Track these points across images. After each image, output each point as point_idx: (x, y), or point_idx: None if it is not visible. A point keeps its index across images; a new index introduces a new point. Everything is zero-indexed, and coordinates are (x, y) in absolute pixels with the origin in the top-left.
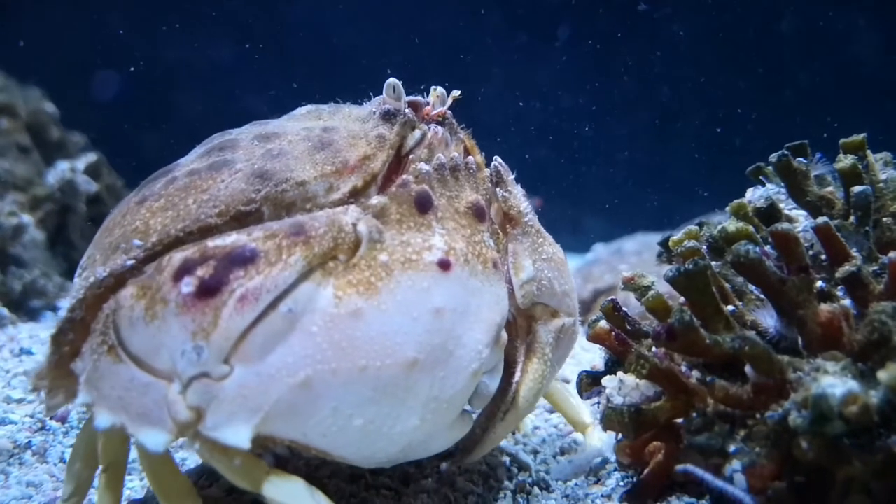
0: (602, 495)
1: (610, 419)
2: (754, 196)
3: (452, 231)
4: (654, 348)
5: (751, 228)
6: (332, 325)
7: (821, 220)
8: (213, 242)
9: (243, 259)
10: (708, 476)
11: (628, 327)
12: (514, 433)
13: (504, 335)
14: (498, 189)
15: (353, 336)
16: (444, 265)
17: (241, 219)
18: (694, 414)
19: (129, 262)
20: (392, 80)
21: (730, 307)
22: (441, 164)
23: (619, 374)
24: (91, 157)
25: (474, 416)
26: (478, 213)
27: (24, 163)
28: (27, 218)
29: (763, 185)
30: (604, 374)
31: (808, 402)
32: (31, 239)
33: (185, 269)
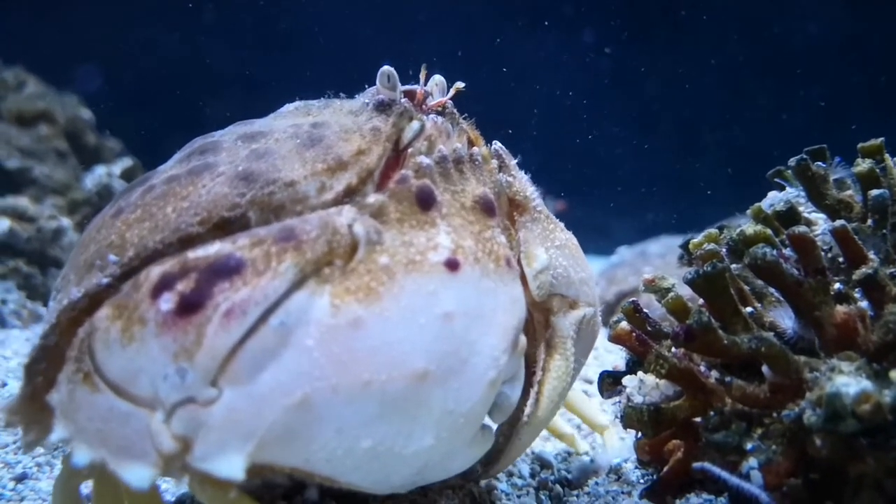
0: (622, 492)
1: (630, 418)
2: (774, 200)
3: (459, 228)
4: (673, 349)
5: (769, 232)
6: (329, 337)
7: (838, 223)
8: (195, 253)
9: (228, 270)
10: (724, 474)
11: (649, 328)
12: None
13: (523, 339)
14: (501, 174)
15: (353, 348)
16: (452, 265)
17: (224, 226)
18: (712, 413)
19: (105, 281)
20: (386, 67)
21: (748, 309)
22: (443, 157)
23: (640, 373)
24: (127, 161)
25: (495, 431)
26: (486, 208)
27: (63, 168)
28: (66, 221)
29: (783, 188)
30: (625, 374)
31: (823, 401)
32: (69, 241)
33: (163, 285)
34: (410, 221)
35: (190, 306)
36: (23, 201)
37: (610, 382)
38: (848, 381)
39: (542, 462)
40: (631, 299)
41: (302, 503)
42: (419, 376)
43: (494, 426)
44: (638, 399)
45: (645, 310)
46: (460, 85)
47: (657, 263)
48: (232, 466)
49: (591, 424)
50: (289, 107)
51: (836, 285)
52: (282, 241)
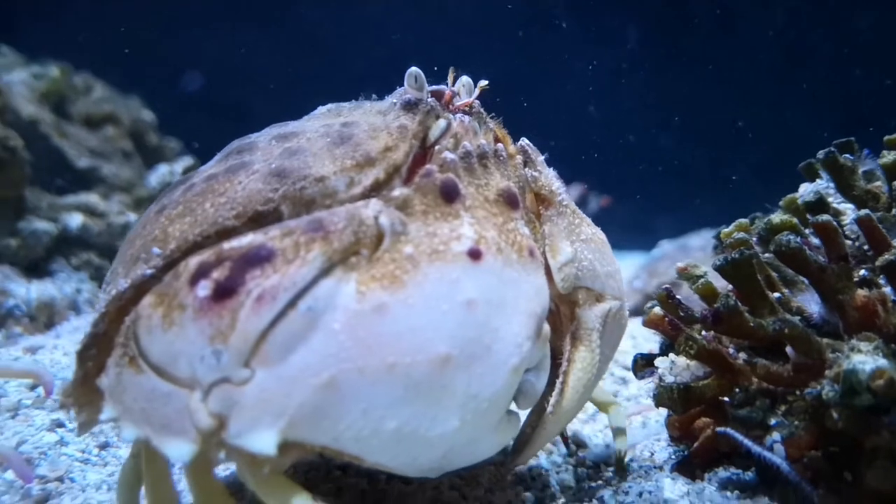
0: (655, 467)
1: (661, 396)
2: (805, 191)
3: (483, 220)
4: (703, 332)
5: (795, 220)
6: (355, 322)
7: (862, 212)
8: (230, 244)
9: (259, 258)
10: (746, 441)
11: (681, 314)
12: None
13: (546, 328)
14: (527, 169)
15: (378, 332)
16: (475, 255)
17: (259, 219)
18: (737, 390)
19: (149, 272)
20: (413, 68)
21: (776, 294)
22: (467, 153)
23: (671, 355)
24: (187, 160)
25: (522, 418)
26: (510, 200)
27: (128, 166)
28: (132, 216)
29: (814, 180)
30: (657, 356)
31: (840, 377)
32: None
33: (200, 273)
34: (435, 213)
35: (225, 292)
36: (93, 198)
37: (643, 364)
38: (864, 358)
39: (577, 441)
40: (665, 286)
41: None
42: (442, 360)
43: (521, 413)
44: (669, 379)
45: (678, 296)
46: (484, 83)
47: (698, 256)
48: (264, 442)
49: (597, 403)
50: (321, 109)
51: (862, 272)
52: (310, 232)
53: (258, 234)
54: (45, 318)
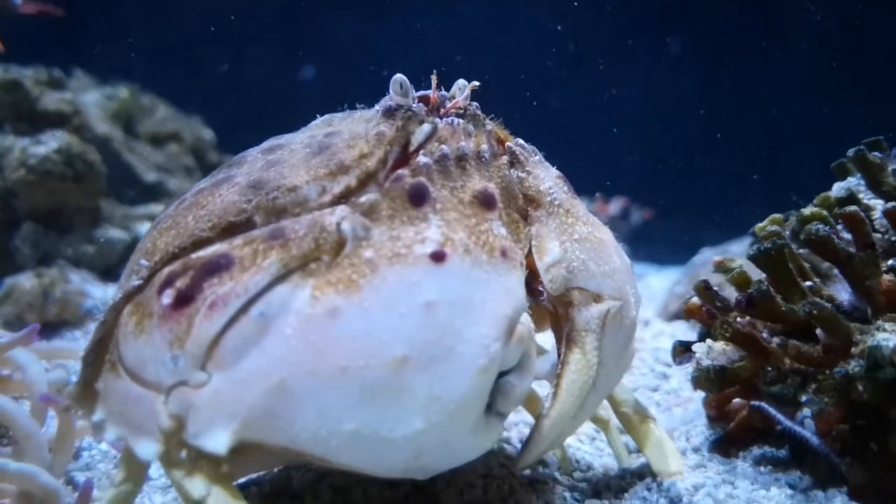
0: (692, 449)
1: (699, 378)
2: (838, 189)
3: (454, 222)
4: (738, 319)
5: (824, 213)
6: (307, 326)
7: (889, 204)
8: (197, 254)
9: (219, 266)
10: (779, 415)
11: (718, 304)
12: None
13: (522, 329)
14: (513, 170)
15: (330, 336)
16: (438, 257)
17: (232, 230)
18: (769, 368)
19: (136, 283)
20: (398, 75)
21: (807, 283)
22: (443, 156)
23: (708, 341)
24: None
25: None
26: (485, 202)
27: (190, 181)
28: None
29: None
30: (695, 343)
31: (865, 353)
32: None
33: (167, 282)
34: (402, 217)
35: (184, 300)
36: (160, 209)
37: (681, 350)
38: (888, 336)
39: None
40: (702, 278)
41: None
42: (398, 362)
43: (506, 414)
44: (706, 363)
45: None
46: (475, 84)
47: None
48: (218, 442)
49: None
50: (317, 120)
51: (890, 261)
52: (270, 240)
53: (224, 244)
54: None
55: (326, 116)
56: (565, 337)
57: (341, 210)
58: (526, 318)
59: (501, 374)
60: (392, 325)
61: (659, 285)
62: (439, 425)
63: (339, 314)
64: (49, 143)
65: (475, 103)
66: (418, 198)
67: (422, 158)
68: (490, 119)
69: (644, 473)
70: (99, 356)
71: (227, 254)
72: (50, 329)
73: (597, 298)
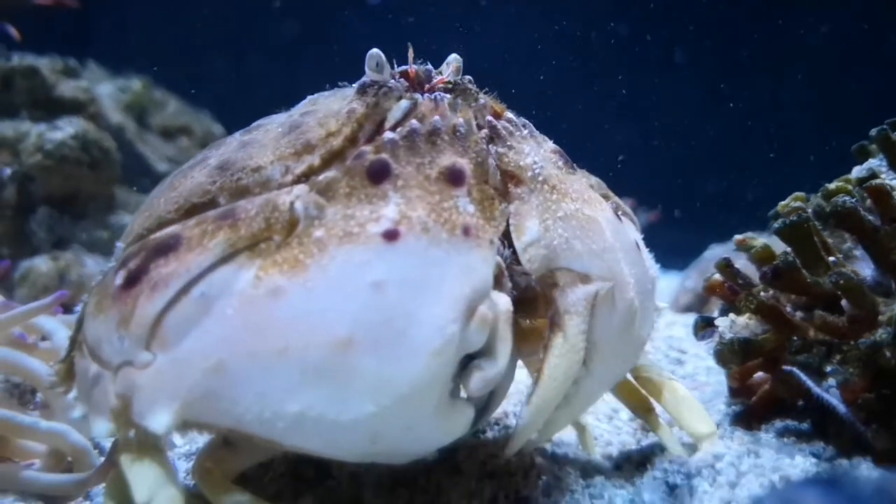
0: (716, 423)
1: (722, 353)
2: (858, 170)
3: (415, 199)
4: (761, 293)
5: (849, 186)
6: (248, 307)
7: None
8: (153, 235)
9: (167, 247)
10: (809, 381)
11: (739, 281)
12: None
13: (484, 311)
14: (492, 146)
15: (271, 317)
16: (391, 235)
17: (193, 211)
18: (794, 338)
19: (111, 264)
20: (374, 51)
21: (831, 258)
22: (412, 131)
23: (731, 315)
24: None
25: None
26: (453, 178)
27: None
28: None
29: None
30: (717, 318)
31: (892, 321)
32: None
33: (123, 263)
34: (359, 195)
35: (132, 280)
36: None
37: (703, 325)
38: None
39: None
40: (724, 256)
41: None
42: (342, 344)
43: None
44: (729, 336)
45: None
46: (457, 58)
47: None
48: (159, 422)
49: (689, 431)
50: (305, 100)
51: None
52: (220, 220)
53: (179, 225)
54: None
55: (315, 95)
56: (549, 321)
57: (298, 189)
58: (502, 302)
59: (472, 357)
60: (336, 306)
61: (663, 285)
62: (393, 409)
63: (282, 294)
64: (66, 129)
65: (468, 77)
66: (378, 175)
67: (387, 135)
68: (484, 93)
69: (663, 447)
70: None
71: (178, 234)
72: (65, 312)
73: (584, 279)
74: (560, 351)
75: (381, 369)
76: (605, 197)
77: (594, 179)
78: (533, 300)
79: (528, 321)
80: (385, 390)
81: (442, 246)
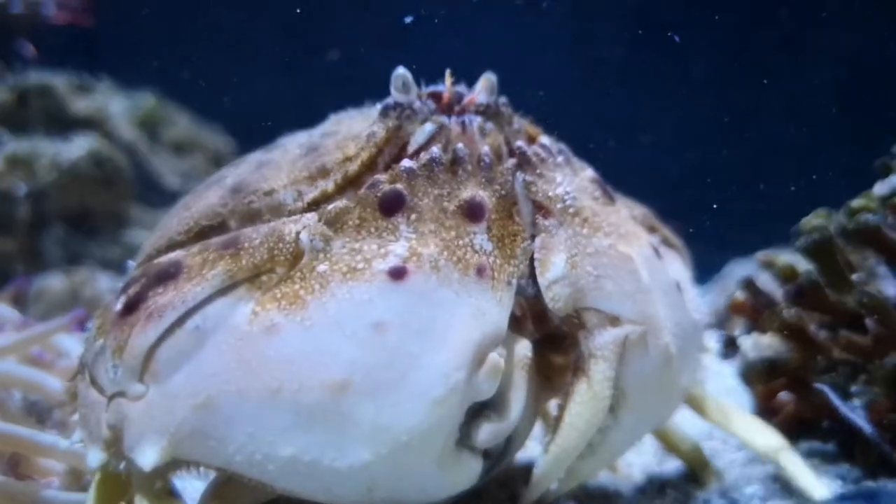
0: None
1: (748, 371)
2: (881, 186)
3: (428, 234)
4: (784, 312)
5: (873, 204)
6: (242, 343)
7: None
8: (158, 259)
9: (167, 275)
10: (837, 400)
11: (762, 300)
12: None
13: (495, 359)
14: (520, 174)
15: (264, 355)
16: (398, 273)
17: (204, 234)
18: (819, 357)
19: (121, 284)
20: (400, 70)
21: (854, 276)
22: (431, 159)
23: (754, 334)
24: None
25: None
26: (471, 212)
27: None
28: None
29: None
30: (741, 336)
31: None
32: None
33: (125, 287)
34: (369, 228)
35: (130, 308)
36: None
37: (728, 345)
38: None
39: None
40: (746, 275)
41: None
42: (338, 387)
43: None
44: (753, 355)
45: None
46: (491, 77)
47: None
48: (146, 457)
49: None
50: (330, 118)
51: None
52: (222, 249)
53: (184, 250)
54: None
55: (340, 114)
56: (572, 365)
57: (307, 218)
58: (520, 348)
59: (482, 406)
60: (334, 347)
61: None
62: (391, 458)
63: (277, 332)
64: (80, 146)
65: (504, 98)
66: (390, 206)
67: (405, 163)
68: (520, 116)
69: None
70: None
71: (179, 262)
72: (79, 329)
73: (613, 321)
74: (583, 398)
75: (378, 416)
76: (652, 229)
77: (639, 210)
78: (569, 335)
79: (561, 358)
80: (382, 438)
81: (452, 286)
